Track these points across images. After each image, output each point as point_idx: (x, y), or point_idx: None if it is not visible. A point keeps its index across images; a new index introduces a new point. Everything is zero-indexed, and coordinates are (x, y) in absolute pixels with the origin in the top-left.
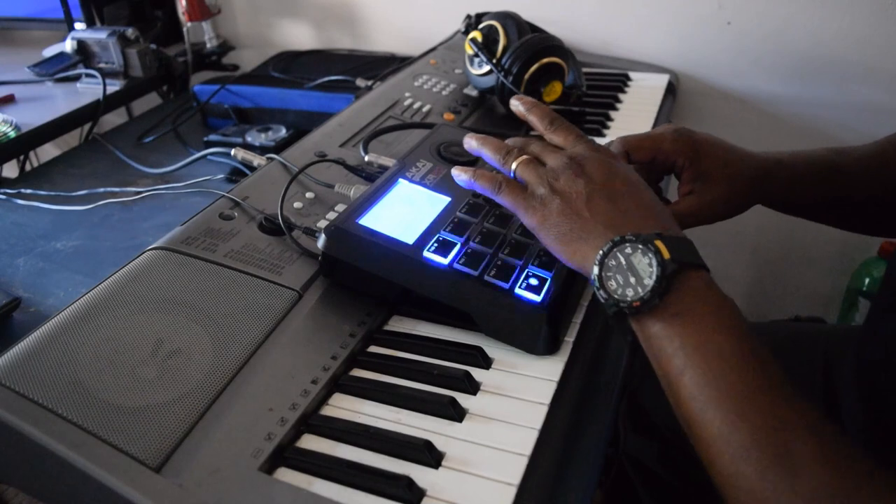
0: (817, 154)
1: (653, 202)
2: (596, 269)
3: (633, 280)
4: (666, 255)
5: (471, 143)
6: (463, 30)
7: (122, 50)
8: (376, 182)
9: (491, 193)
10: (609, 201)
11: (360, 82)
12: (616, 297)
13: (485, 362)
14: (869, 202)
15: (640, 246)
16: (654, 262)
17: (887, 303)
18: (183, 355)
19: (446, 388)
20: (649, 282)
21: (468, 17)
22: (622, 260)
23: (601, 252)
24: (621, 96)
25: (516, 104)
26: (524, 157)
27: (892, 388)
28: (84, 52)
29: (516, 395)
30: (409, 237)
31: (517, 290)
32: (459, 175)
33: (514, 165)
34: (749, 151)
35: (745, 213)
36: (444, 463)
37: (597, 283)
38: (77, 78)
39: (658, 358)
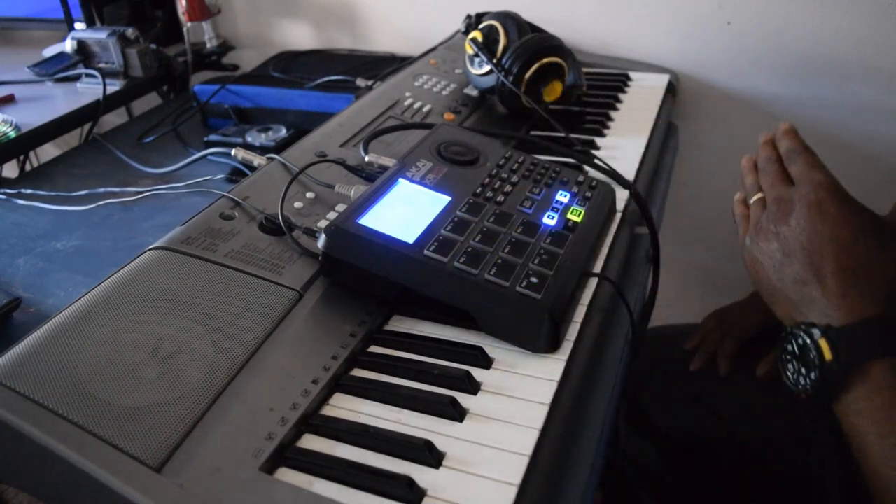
0: None
1: (857, 275)
2: (779, 347)
3: (803, 370)
4: (828, 356)
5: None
6: (463, 30)
7: (122, 50)
8: (376, 182)
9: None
10: (800, 272)
11: (360, 82)
12: (790, 381)
13: (485, 362)
14: None
15: (807, 340)
16: (816, 360)
17: None
18: (183, 355)
19: (447, 387)
20: (814, 376)
21: (468, 17)
22: (795, 349)
23: (780, 335)
24: (621, 96)
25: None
26: (758, 196)
27: None
28: (84, 52)
29: (517, 394)
30: (410, 237)
31: (518, 289)
32: (737, 210)
33: (752, 201)
34: None
35: None
36: (444, 463)
37: (780, 364)
38: (77, 78)
39: (850, 441)
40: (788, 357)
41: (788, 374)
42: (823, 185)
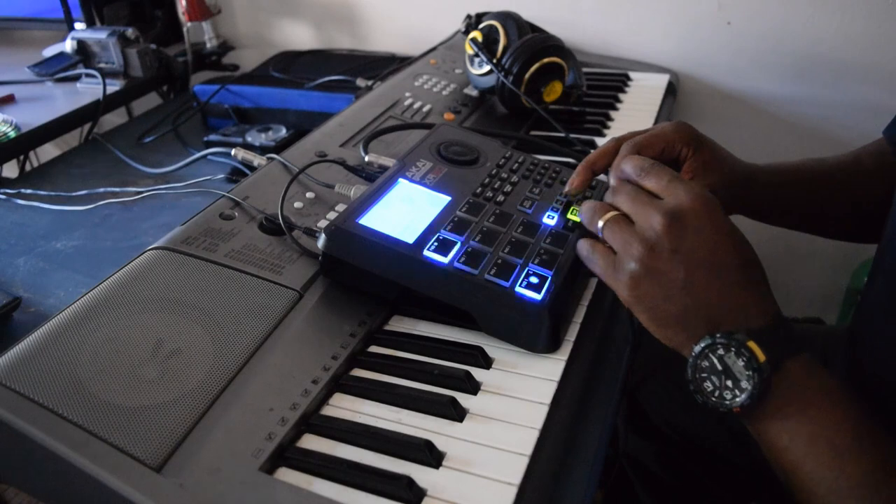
0: (797, 163)
1: (757, 277)
2: (689, 371)
3: (729, 383)
4: (761, 357)
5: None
6: (463, 30)
7: (122, 50)
8: (376, 182)
9: (584, 260)
10: (709, 286)
11: (360, 82)
12: (713, 399)
13: (485, 362)
14: (846, 210)
15: (734, 349)
16: (751, 367)
17: (873, 301)
18: (183, 355)
19: (447, 387)
20: (747, 386)
21: (468, 17)
22: (716, 362)
23: (692, 355)
24: (621, 96)
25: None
26: (612, 214)
27: (878, 385)
28: (84, 52)
29: (517, 394)
30: (410, 237)
31: (517, 289)
32: (581, 246)
33: (600, 224)
34: (735, 157)
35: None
36: (444, 463)
37: (692, 386)
38: (77, 78)
39: (770, 452)
40: (704, 375)
41: (706, 392)
42: (702, 194)
